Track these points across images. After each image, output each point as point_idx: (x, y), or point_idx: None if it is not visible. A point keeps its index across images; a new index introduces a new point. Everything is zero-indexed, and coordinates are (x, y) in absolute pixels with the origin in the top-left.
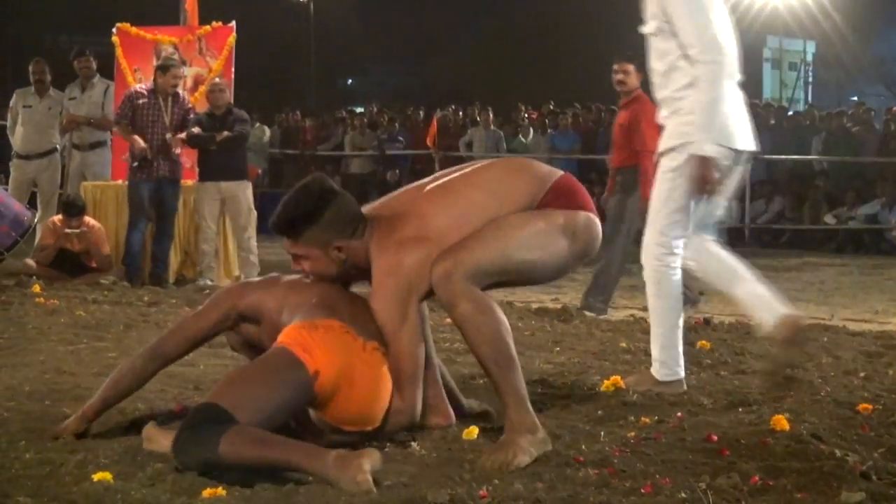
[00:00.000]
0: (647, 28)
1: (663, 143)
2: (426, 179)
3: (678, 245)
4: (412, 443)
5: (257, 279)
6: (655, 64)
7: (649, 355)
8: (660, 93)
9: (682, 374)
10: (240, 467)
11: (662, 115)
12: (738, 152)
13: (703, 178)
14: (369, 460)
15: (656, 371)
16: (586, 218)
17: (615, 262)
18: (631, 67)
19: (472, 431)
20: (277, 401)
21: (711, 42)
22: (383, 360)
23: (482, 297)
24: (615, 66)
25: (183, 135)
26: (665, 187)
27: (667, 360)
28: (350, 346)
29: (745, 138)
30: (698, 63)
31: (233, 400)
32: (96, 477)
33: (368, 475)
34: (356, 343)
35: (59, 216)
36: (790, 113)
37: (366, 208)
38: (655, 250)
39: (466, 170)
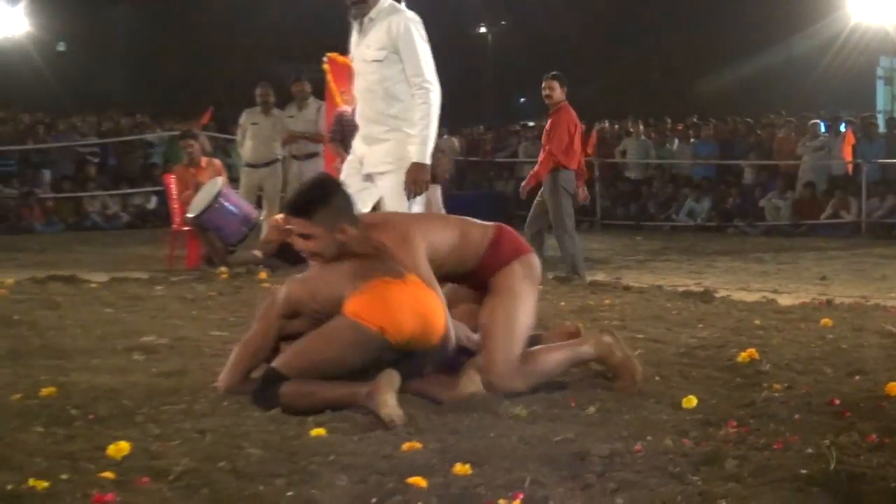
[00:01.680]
0: (375, 55)
1: (391, 163)
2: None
3: None
4: (590, 406)
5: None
6: (375, 87)
7: (780, 331)
8: (376, 109)
9: None
10: (304, 412)
11: (379, 130)
12: None
13: (422, 181)
14: (389, 390)
15: None
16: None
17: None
18: (556, 84)
19: (692, 400)
20: (343, 359)
21: (434, 74)
22: (422, 283)
23: (530, 370)
24: (543, 84)
25: None
26: (403, 202)
27: None
28: (397, 289)
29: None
30: (426, 87)
31: (295, 364)
32: (313, 433)
33: (392, 409)
34: (397, 283)
35: (281, 215)
36: None
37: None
38: None
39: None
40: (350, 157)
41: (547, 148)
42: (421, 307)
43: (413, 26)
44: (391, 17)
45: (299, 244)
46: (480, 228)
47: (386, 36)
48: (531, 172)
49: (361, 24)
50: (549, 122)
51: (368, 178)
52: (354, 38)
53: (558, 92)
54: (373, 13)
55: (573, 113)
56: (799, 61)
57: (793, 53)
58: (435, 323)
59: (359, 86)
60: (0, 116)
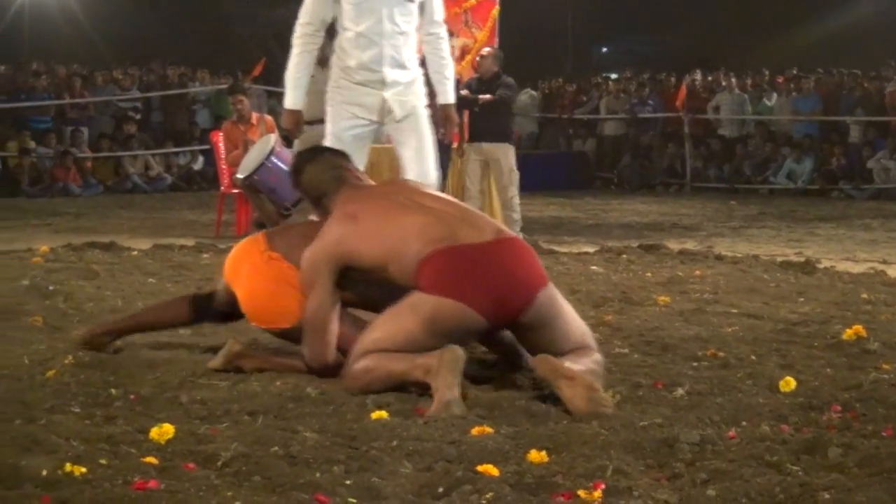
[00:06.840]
0: None
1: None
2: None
3: None
4: (679, 388)
5: None
6: (407, 28)
7: (889, 306)
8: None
9: None
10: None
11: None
12: None
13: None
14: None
15: None
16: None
17: None
18: None
19: (790, 382)
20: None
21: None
22: (282, 269)
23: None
24: None
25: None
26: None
27: None
28: (247, 250)
29: None
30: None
31: None
32: (374, 415)
33: None
34: (255, 248)
35: None
36: None
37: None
38: None
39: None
40: None
41: None
42: (236, 273)
43: None
44: None
45: None
46: (419, 244)
47: None
48: None
49: None
50: None
51: None
52: None
53: None
54: None
55: None
56: None
57: None
58: (243, 296)
59: None
60: (34, 69)
